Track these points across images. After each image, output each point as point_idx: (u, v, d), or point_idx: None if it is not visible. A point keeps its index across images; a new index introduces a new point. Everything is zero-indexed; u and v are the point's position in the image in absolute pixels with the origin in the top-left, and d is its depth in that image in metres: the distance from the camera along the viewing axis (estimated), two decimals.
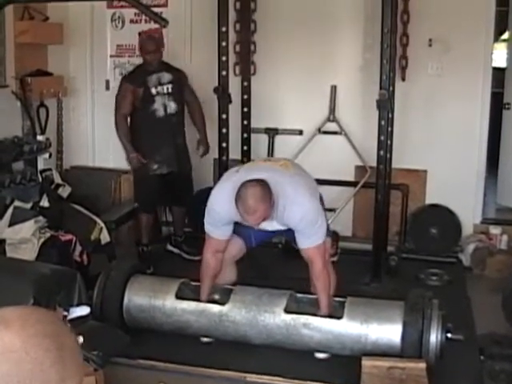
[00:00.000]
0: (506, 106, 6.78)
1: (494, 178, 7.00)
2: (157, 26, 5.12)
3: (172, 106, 5.65)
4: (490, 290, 5.31)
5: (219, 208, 3.90)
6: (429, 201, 6.15)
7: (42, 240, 4.79)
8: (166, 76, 5.65)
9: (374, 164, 5.48)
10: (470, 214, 6.15)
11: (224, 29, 5.52)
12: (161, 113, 5.61)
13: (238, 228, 4.05)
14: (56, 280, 3.10)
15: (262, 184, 3.68)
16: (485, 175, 6.32)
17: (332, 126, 6.07)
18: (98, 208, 5.56)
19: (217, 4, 5.53)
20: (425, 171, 6.12)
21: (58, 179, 5.72)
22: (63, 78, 6.51)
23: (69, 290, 3.16)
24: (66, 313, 3.08)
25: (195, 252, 5.82)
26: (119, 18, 6.68)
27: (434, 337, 3.57)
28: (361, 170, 6.10)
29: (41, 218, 4.96)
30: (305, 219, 3.78)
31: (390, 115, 5.38)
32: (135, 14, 6.42)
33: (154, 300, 4.01)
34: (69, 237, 4.93)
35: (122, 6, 6.32)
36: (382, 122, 5.25)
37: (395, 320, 3.70)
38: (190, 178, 5.94)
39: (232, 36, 5.93)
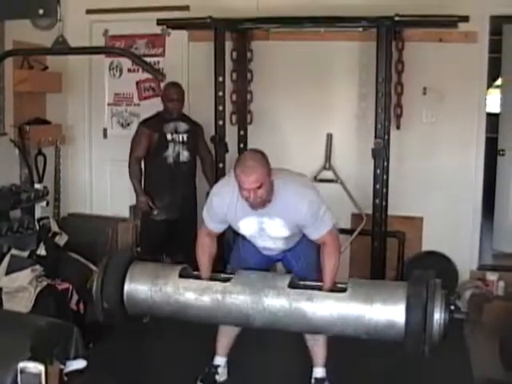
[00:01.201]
0: (501, 153, 6.83)
1: (490, 224, 7.01)
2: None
3: (185, 155, 5.65)
4: (487, 336, 5.27)
5: (217, 201, 3.91)
6: (425, 247, 6.15)
7: (38, 289, 4.79)
8: (183, 126, 5.65)
9: (370, 211, 5.52)
10: (466, 261, 6.15)
11: (221, 79, 5.60)
12: (173, 160, 5.61)
13: (239, 262, 4.08)
14: (53, 333, 3.09)
15: (262, 152, 3.74)
16: (481, 221, 6.34)
17: (328, 174, 6.11)
18: (95, 256, 5.54)
19: (213, 54, 5.62)
20: (421, 218, 6.14)
21: (55, 227, 5.72)
22: (61, 126, 6.56)
23: (65, 344, 3.15)
24: (62, 366, 3.07)
25: None
26: (117, 66, 6.77)
27: (438, 316, 3.47)
28: (357, 217, 6.12)
29: (38, 266, 4.97)
30: (311, 207, 3.75)
31: (385, 163, 5.44)
32: (133, 63, 6.47)
33: (156, 279, 3.88)
34: (65, 285, 4.93)
35: (120, 56, 6.38)
36: (378, 171, 5.30)
37: (399, 299, 3.59)
38: (194, 229, 5.90)
39: (229, 85, 6.00)
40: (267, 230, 3.87)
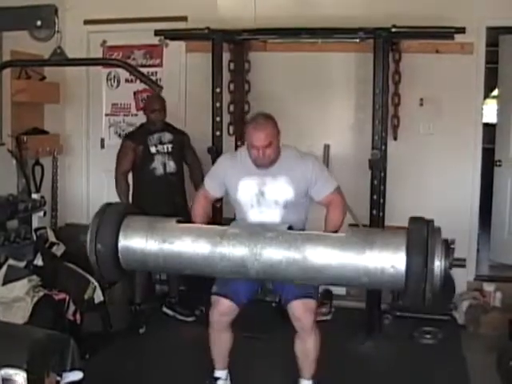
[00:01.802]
0: (498, 163, 6.85)
1: (486, 235, 7.03)
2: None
3: (171, 166, 5.65)
4: (484, 348, 5.25)
5: (221, 162, 4.10)
6: None
7: (35, 299, 4.76)
8: (168, 136, 5.66)
9: (367, 222, 5.52)
10: (463, 272, 6.11)
11: (218, 90, 5.61)
12: (160, 171, 5.62)
13: (226, 285, 3.98)
14: (49, 345, 3.08)
15: (273, 118, 3.89)
16: (478, 232, 6.36)
17: None
18: (91, 266, 5.52)
19: (211, 65, 5.63)
20: None
21: (52, 237, 5.70)
22: (59, 136, 6.58)
23: (62, 355, 3.13)
24: (59, 378, 3.06)
25: (189, 313, 5.83)
26: (114, 77, 6.79)
27: (439, 262, 3.40)
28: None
29: (34, 276, 4.95)
30: (316, 167, 3.90)
31: (382, 174, 5.45)
32: (130, 74, 6.49)
33: (154, 224, 3.77)
34: (62, 296, 4.90)
35: (117, 67, 6.39)
36: (375, 182, 5.31)
37: (399, 243, 3.51)
38: None
39: (226, 96, 6.02)
40: (267, 194, 3.89)
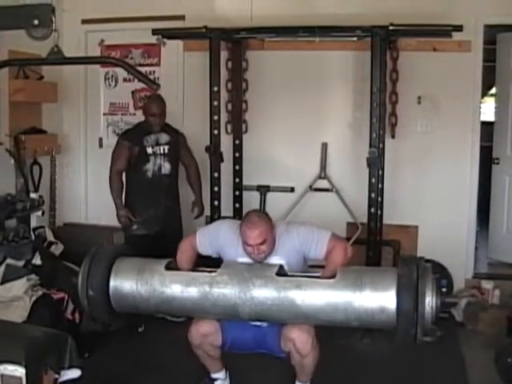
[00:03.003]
0: (495, 161, 6.85)
1: (485, 233, 7.04)
2: None
3: (167, 167, 5.60)
4: (483, 345, 5.26)
5: (223, 232, 3.98)
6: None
7: (34, 298, 4.78)
8: (164, 137, 5.60)
9: (366, 220, 5.53)
10: (461, 269, 6.16)
11: (216, 88, 5.61)
12: (154, 172, 5.57)
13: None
14: (47, 343, 3.09)
15: (266, 213, 3.93)
16: (476, 230, 6.37)
17: (323, 183, 6.12)
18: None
19: (208, 63, 5.63)
20: (416, 227, 6.15)
21: (50, 237, 5.71)
22: (57, 135, 6.58)
23: (60, 353, 3.14)
24: (57, 376, 3.07)
25: None
26: (112, 76, 6.79)
27: (429, 300, 3.39)
28: (352, 226, 6.12)
29: (33, 275, 4.96)
30: (301, 233, 3.84)
31: (380, 172, 5.45)
32: (128, 73, 6.50)
33: (143, 272, 3.77)
34: (61, 295, 4.92)
35: (115, 65, 6.39)
36: (373, 180, 5.32)
37: (389, 284, 3.50)
38: (178, 242, 5.85)
39: (224, 95, 6.03)
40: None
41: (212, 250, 4.03)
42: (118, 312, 3.88)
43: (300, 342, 3.76)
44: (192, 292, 3.67)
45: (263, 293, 3.57)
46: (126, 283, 3.77)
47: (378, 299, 3.44)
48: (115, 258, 3.87)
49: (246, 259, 3.84)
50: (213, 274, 3.72)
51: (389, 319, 3.43)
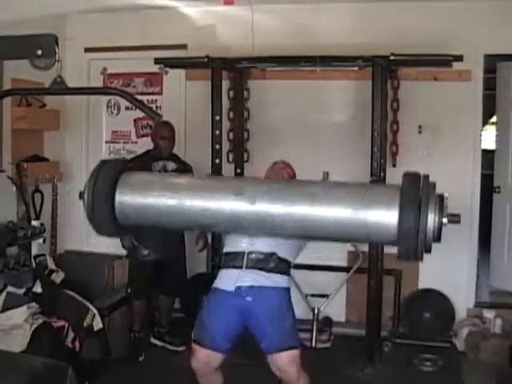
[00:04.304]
0: (496, 190, 6.85)
1: (486, 261, 7.02)
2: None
3: None
4: (484, 374, 5.26)
5: None
6: (422, 285, 6.16)
7: (34, 326, 4.75)
8: (172, 165, 5.62)
9: (367, 249, 5.53)
10: (463, 298, 6.14)
11: (218, 117, 5.64)
12: None
13: (203, 331, 3.93)
14: (47, 374, 3.08)
15: None
16: (477, 258, 6.35)
17: None
18: (91, 293, 5.54)
19: (210, 92, 5.66)
20: None
21: (51, 265, 5.70)
22: (59, 163, 6.60)
23: None
24: None
25: (180, 342, 5.75)
26: (115, 104, 6.82)
27: (432, 216, 3.33)
28: (353, 255, 6.12)
29: (34, 304, 4.94)
30: None
31: None
32: (131, 103, 6.53)
33: (150, 183, 3.73)
34: (61, 323, 4.90)
35: (117, 95, 6.42)
36: None
37: (391, 201, 3.43)
38: (182, 269, 5.86)
39: (225, 124, 6.05)
40: None
41: None
42: (123, 226, 3.84)
43: (287, 375, 3.83)
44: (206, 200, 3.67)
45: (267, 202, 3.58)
46: (132, 194, 3.72)
47: (381, 211, 3.42)
48: (122, 172, 3.83)
49: None
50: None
51: (391, 231, 3.41)
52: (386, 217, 3.37)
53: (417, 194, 3.36)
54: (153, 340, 5.90)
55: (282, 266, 3.92)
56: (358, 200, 3.43)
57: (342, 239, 3.57)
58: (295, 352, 3.85)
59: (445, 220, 3.44)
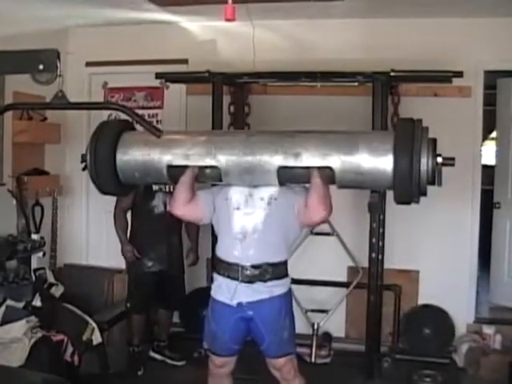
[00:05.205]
0: (496, 206, 6.86)
1: (486, 277, 7.02)
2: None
3: None
4: None
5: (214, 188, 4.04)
6: (421, 301, 6.15)
7: (33, 340, 4.74)
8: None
9: (367, 264, 5.53)
10: (462, 314, 6.13)
11: None
12: (160, 209, 5.58)
13: (213, 341, 3.99)
14: None
15: None
16: (477, 274, 6.34)
17: (324, 228, 6.08)
18: (90, 307, 5.53)
19: (211, 107, 5.68)
20: (417, 271, 6.15)
21: (51, 278, 5.70)
22: (59, 176, 6.60)
23: None
24: None
25: (180, 357, 5.75)
26: (115, 118, 6.80)
27: (425, 160, 3.34)
28: (353, 270, 6.12)
29: (33, 317, 4.94)
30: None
31: (381, 217, 5.45)
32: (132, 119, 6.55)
33: (150, 141, 3.76)
34: (60, 337, 4.89)
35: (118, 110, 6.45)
36: (374, 225, 5.33)
37: (386, 146, 3.44)
38: (180, 281, 5.84)
39: None
40: (255, 194, 3.83)
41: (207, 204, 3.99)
42: (124, 184, 3.87)
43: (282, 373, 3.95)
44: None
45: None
46: (132, 151, 3.76)
47: (376, 156, 3.43)
48: (121, 132, 3.85)
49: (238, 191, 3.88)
50: None
51: (387, 178, 3.41)
52: (380, 162, 3.42)
53: (410, 138, 3.40)
54: (152, 354, 5.88)
55: (278, 271, 3.90)
56: (353, 146, 3.47)
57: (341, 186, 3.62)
58: (291, 356, 3.97)
59: (439, 159, 3.47)
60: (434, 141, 3.50)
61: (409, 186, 3.35)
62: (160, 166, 3.73)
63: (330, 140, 3.60)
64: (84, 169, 3.79)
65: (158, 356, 5.86)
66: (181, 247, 5.83)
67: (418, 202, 3.49)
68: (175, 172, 3.74)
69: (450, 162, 3.49)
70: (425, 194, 3.44)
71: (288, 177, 3.65)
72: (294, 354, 4.01)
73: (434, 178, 3.41)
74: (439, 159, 3.44)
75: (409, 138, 3.37)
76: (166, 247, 5.65)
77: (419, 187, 3.38)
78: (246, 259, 3.82)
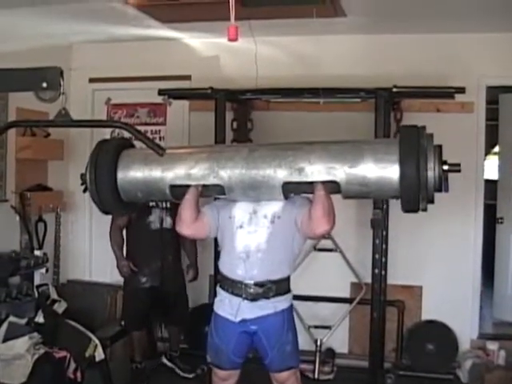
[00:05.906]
0: (500, 221, 6.86)
1: (489, 293, 7.01)
2: None
3: (168, 221, 5.59)
4: None
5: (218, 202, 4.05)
6: (425, 317, 6.13)
7: (35, 356, 4.74)
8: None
9: (370, 280, 5.51)
10: (466, 330, 6.12)
11: None
12: (156, 225, 5.61)
13: (216, 355, 4.00)
14: None
15: None
16: (480, 289, 6.32)
17: (327, 244, 6.09)
18: (93, 324, 5.52)
19: (214, 123, 5.68)
20: (420, 287, 6.13)
21: (53, 294, 5.70)
22: (62, 193, 6.61)
23: None
24: None
25: (190, 369, 5.76)
26: (118, 135, 6.80)
27: (432, 167, 3.31)
28: (356, 286, 6.12)
29: (35, 334, 4.94)
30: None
31: (384, 233, 5.45)
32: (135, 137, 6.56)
33: (150, 159, 3.75)
34: (63, 353, 4.89)
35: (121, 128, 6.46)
36: (377, 241, 5.32)
37: (392, 154, 3.41)
38: (182, 296, 5.84)
39: None
40: (259, 212, 3.83)
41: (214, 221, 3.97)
42: (125, 202, 3.86)
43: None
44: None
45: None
46: (133, 171, 3.76)
47: (382, 166, 3.41)
48: (121, 150, 3.86)
49: (244, 203, 3.87)
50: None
51: (393, 184, 3.39)
52: (386, 172, 3.40)
53: (415, 146, 3.37)
54: (164, 360, 5.95)
55: (282, 287, 3.90)
56: (357, 157, 3.46)
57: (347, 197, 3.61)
58: (294, 370, 3.97)
59: (445, 167, 3.45)
60: (440, 147, 3.49)
61: (416, 194, 3.34)
62: (163, 186, 3.73)
63: (334, 151, 3.60)
64: (85, 190, 3.80)
65: (169, 364, 5.91)
66: (179, 263, 5.83)
67: (425, 209, 3.47)
68: (179, 191, 3.74)
69: (455, 168, 3.48)
70: (432, 202, 3.43)
71: (292, 190, 3.67)
72: (298, 367, 4.02)
73: (441, 185, 3.40)
74: (445, 166, 3.44)
75: (414, 146, 3.36)
76: (161, 263, 5.64)
77: (427, 194, 3.37)
78: (249, 278, 3.82)
